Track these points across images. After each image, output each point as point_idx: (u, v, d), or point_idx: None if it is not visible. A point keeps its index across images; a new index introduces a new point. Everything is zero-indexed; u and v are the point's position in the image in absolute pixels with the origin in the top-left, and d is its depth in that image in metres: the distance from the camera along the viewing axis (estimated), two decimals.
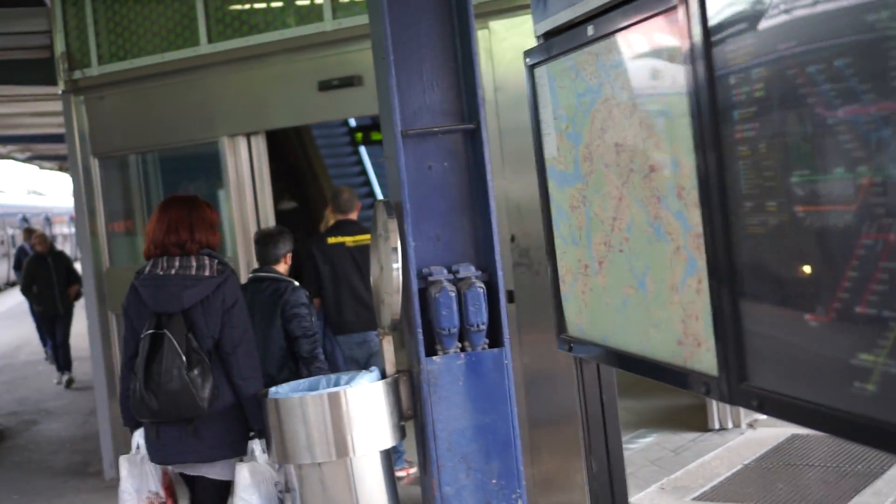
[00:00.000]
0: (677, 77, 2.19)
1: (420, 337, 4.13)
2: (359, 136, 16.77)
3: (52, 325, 12.26)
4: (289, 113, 6.78)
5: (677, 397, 8.27)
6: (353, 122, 17.04)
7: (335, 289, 6.43)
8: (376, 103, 6.40)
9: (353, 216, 6.80)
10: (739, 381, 2.09)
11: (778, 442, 6.87)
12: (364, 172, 16.78)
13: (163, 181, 7.46)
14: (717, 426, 7.31)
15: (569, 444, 5.93)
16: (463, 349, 4.22)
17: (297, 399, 4.14)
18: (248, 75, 6.80)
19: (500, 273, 4.27)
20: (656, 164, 2.35)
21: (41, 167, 30.58)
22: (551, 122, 2.90)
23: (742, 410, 7.27)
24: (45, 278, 12.07)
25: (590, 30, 2.54)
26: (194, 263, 4.18)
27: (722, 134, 2.06)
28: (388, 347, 4.29)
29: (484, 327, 4.17)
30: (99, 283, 7.51)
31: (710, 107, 2.07)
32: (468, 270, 4.23)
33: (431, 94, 4.35)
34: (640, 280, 2.48)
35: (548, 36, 2.87)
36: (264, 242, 5.46)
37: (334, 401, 4.12)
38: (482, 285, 4.17)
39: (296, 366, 5.28)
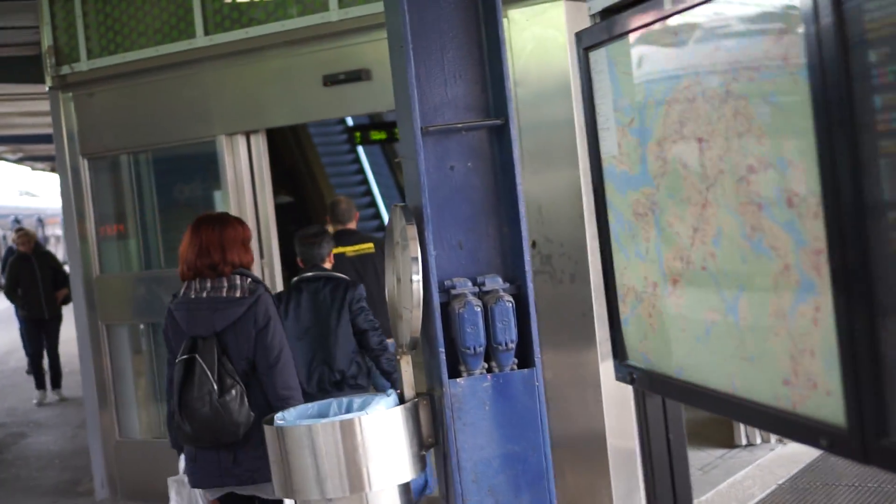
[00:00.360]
0: (791, 52, 1.76)
1: (443, 357, 3.76)
2: (357, 135, 16.53)
3: (39, 332, 11.47)
4: (291, 110, 6.38)
5: (697, 409, 7.84)
6: (350, 122, 16.74)
7: None
8: (385, 99, 6.04)
9: (352, 225, 6.72)
10: (878, 436, 1.66)
11: (812, 459, 6.48)
12: (361, 171, 16.49)
13: (156, 183, 7.06)
14: (744, 441, 6.95)
15: (593, 466, 5.52)
16: (489, 370, 3.83)
17: (304, 428, 3.72)
18: (248, 70, 6.39)
19: (530, 285, 3.87)
20: (757, 163, 1.92)
21: (33, 168, 30.13)
22: (611, 115, 2.47)
23: None
24: (30, 279, 11.25)
25: (666, 0, 2.11)
26: (226, 284, 4.09)
27: (857, 125, 1.63)
28: (406, 369, 3.89)
29: (513, 346, 3.81)
30: (89, 290, 7.08)
31: (842, 90, 1.64)
32: (495, 282, 3.86)
33: (454, 87, 3.97)
34: (731, 304, 2.05)
35: (606, 13, 2.45)
36: (309, 243, 5.46)
37: (348, 429, 3.70)
38: (510, 299, 3.80)
39: (363, 360, 5.34)
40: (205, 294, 4.08)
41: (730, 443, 6.95)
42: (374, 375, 5.49)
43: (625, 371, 2.54)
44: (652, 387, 2.47)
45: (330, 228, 6.79)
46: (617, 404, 5.50)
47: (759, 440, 6.92)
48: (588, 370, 5.46)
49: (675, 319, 2.29)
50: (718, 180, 2.05)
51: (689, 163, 2.15)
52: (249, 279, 4.13)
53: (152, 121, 6.75)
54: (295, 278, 5.46)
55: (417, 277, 3.68)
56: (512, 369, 3.83)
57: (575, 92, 5.42)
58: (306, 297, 5.27)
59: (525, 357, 3.88)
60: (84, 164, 7.05)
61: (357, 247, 6.48)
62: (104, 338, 7.05)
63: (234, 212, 6.39)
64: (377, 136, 17.14)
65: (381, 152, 17.19)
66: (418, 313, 3.73)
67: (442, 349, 3.74)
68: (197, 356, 4.01)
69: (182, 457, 4.31)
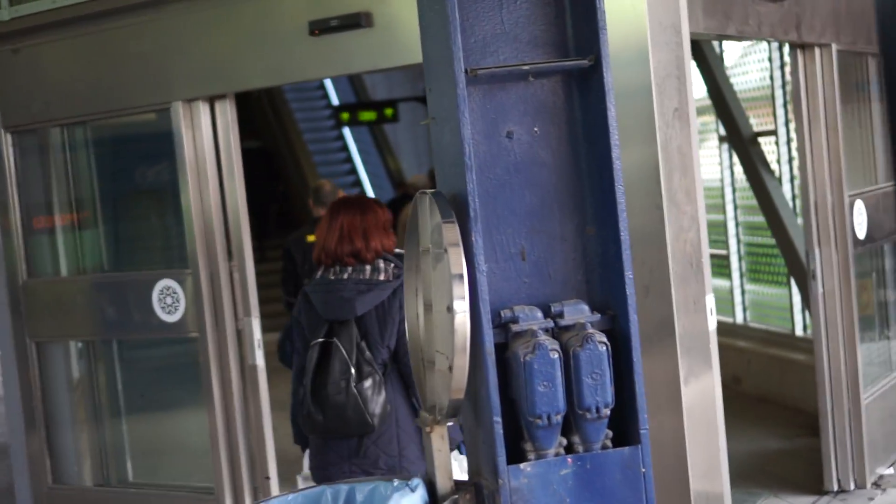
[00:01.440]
0: None
1: (499, 430, 2.51)
2: (344, 116, 16.17)
3: None
4: (268, 68, 5.10)
5: (766, 438, 6.69)
6: (335, 101, 16.26)
7: None
8: (391, 52, 4.65)
9: None
10: None
11: None
12: (346, 148, 16.05)
13: (97, 162, 5.84)
14: (835, 487, 5.79)
15: None
16: (570, 448, 2.54)
17: None
18: (214, 17, 5.17)
19: (633, 317, 2.57)
20: None
21: None
22: None
23: (867, 465, 5.62)
24: None
25: None
26: (368, 267, 4.04)
27: None
28: (440, 446, 2.56)
29: (608, 412, 2.52)
30: (14, 299, 5.81)
31: None
32: (578, 312, 2.62)
33: (513, 10, 2.69)
34: None
35: None
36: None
37: None
38: (604, 339, 2.49)
39: None
40: (345, 276, 4.02)
41: (818, 488, 5.84)
42: None
43: None
44: None
45: (313, 212, 6.80)
46: (701, 440, 4.47)
47: (852, 485, 5.72)
48: (669, 405, 4.32)
49: None
50: None
51: None
52: (392, 264, 4.07)
53: (92, 84, 5.55)
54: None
55: (465, 307, 2.34)
56: (605, 447, 2.57)
57: (653, 47, 4.14)
58: None
59: (624, 429, 2.59)
60: (7, 140, 5.84)
61: None
62: (33, 359, 5.80)
63: (193, 200, 5.20)
64: (366, 116, 16.66)
65: (369, 133, 16.78)
66: (462, 362, 2.41)
67: (498, 418, 2.49)
68: (335, 340, 3.94)
69: (306, 454, 4.18)
